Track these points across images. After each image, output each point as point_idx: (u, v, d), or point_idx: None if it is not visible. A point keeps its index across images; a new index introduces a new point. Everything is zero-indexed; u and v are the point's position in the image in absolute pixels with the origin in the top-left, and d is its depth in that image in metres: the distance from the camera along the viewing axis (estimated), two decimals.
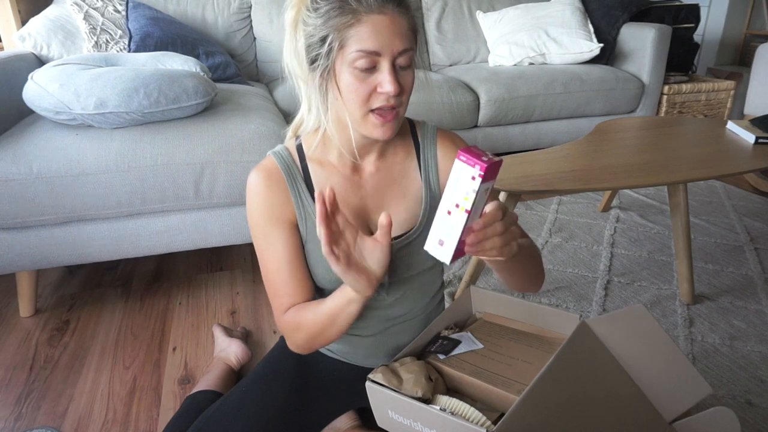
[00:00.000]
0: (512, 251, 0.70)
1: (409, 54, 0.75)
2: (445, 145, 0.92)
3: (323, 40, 0.73)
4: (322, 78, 0.76)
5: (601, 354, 0.81)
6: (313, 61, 0.76)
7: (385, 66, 0.74)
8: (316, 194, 0.69)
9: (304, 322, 0.84)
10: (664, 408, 0.83)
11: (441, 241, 0.68)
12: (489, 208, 0.68)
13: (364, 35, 0.72)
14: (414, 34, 0.77)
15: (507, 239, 0.68)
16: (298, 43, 0.77)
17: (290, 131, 0.91)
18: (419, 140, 0.92)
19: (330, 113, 0.80)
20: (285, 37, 0.79)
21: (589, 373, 0.79)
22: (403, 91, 0.77)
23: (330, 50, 0.73)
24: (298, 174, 0.87)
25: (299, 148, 0.88)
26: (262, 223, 0.85)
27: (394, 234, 0.89)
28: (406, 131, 0.93)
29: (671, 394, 0.83)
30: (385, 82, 0.74)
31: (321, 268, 0.88)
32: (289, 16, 0.77)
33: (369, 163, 0.89)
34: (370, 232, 0.89)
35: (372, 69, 0.74)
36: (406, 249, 0.89)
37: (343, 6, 0.72)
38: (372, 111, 0.76)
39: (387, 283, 0.91)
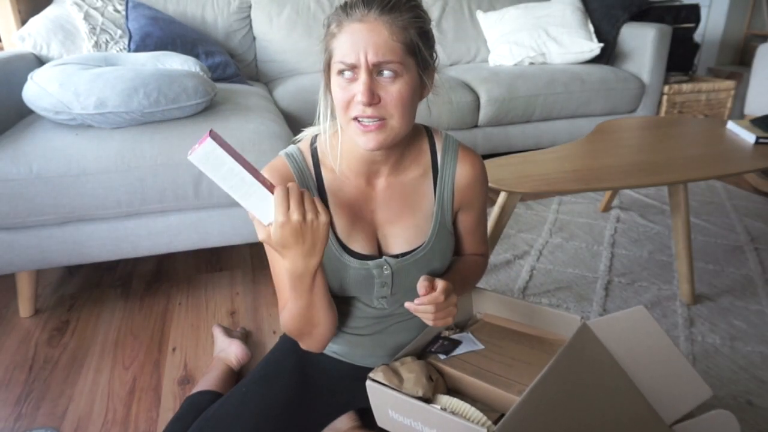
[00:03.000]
0: (446, 324, 0.81)
1: (392, 66, 0.74)
2: (466, 169, 0.90)
3: (324, 53, 0.79)
4: (325, 87, 0.81)
5: (601, 356, 0.81)
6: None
7: (362, 75, 0.74)
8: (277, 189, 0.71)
9: (291, 311, 0.86)
10: (664, 410, 0.83)
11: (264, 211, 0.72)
12: (439, 285, 0.77)
13: (343, 45, 0.75)
14: (407, 46, 0.75)
15: (439, 317, 0.79)
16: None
17: (305, 134, 0.92)
18: (438, 157, 0.90)
19: (329, 118, 0.84)
20: None
21: (590, 374, 0.79)
22: (383, 103, 0.75)
23: (325, 60, 0.79)
24: (311, 180, 0.87)
25: (314, 152, 0.88)
26: None
27: (400, 250, 0.89)
28: (423, 146, 0.91)
29: (672, 396, 0.82)
30: (357, 91, 0.75)
31: (326, 270, 0.88)
32: None
33: (381, 179, 0.89)
34: (378, 244, 0.90)
35: (354, 78, 0.75)
36: (411, 266, 0.89)
37: (335, 19, 0.77)
38: (354, 119, 0.77)
39: (389, 296, 0.91)
